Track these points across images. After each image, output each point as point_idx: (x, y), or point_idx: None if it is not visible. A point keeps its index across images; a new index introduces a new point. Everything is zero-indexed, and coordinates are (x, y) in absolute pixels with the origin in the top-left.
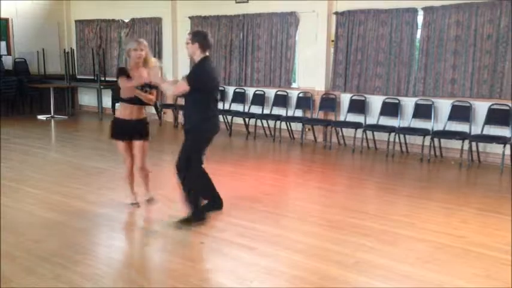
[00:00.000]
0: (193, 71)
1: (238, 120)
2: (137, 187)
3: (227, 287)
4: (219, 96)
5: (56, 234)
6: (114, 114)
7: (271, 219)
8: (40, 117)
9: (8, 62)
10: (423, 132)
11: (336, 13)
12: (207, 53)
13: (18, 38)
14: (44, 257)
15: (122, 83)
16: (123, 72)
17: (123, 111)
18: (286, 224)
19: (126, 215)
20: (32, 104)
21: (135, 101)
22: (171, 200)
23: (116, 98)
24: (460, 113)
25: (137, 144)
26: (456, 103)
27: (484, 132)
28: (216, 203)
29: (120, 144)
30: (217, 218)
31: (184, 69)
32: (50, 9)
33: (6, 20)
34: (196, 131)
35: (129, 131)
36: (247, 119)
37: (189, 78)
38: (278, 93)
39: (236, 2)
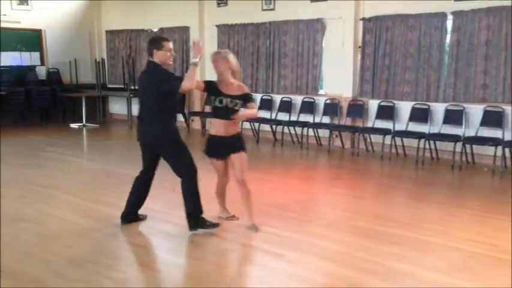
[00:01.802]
0: None
1: (266, 127)
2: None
3: None
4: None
5: (88, 240)
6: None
7: (299, 226)
8: (72, 125)
9: (41, 72)
10: (454, 139)
11: (363, 19)
12: (151, 58)
13: (51, 48)
14: (75, 261)
15: None
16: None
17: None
18: (315, 231)
19: (157, 221)
20: (65, 112)
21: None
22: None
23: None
24: (492, 118)
25: (234, 156)
26: (488, 108)
27: None
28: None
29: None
30: (245, 225)
31: (212, 77)
32: (82, 20)
33: (40, 31)
34: None
35: (225, 148)
36: (274, 126)
37: None
38: (305, 100)
39: (262, 10)
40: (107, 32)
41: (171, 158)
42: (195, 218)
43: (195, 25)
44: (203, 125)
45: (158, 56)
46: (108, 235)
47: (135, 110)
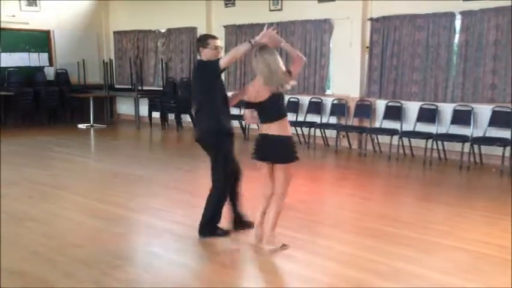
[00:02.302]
0: None
1: None
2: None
3: None
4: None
5: (96, 240)
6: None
7: (306, 227)
8: (80, 126)
9: (50, 72)
10: (462, 139)
11: (371, 19)
12: (199, 57)
13: (59, 49)
14: (83, 261)
15: None
16: None
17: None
18: (321, 231)
19: (164, 221)
20: (73, 113)
21: None
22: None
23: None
24: (501, 118)
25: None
26: (496, 109)
27: None
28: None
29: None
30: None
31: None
32: (90, 21)
33: (48, 32)
34: None
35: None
36: None
37: None
38: (312, 100)
39: (270, 10)
40: (114, 32)
41: (211, 157)
42: (209, 226)
43: (203, 26)
44: None
45: (205, 54)
46: (116, 235)
47: (143, 110)
